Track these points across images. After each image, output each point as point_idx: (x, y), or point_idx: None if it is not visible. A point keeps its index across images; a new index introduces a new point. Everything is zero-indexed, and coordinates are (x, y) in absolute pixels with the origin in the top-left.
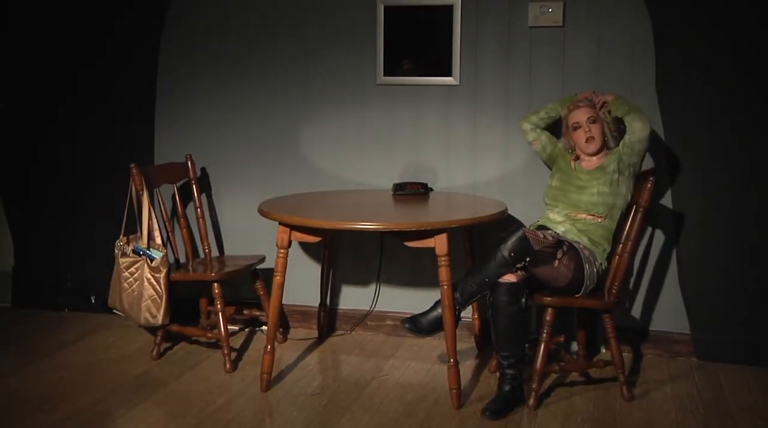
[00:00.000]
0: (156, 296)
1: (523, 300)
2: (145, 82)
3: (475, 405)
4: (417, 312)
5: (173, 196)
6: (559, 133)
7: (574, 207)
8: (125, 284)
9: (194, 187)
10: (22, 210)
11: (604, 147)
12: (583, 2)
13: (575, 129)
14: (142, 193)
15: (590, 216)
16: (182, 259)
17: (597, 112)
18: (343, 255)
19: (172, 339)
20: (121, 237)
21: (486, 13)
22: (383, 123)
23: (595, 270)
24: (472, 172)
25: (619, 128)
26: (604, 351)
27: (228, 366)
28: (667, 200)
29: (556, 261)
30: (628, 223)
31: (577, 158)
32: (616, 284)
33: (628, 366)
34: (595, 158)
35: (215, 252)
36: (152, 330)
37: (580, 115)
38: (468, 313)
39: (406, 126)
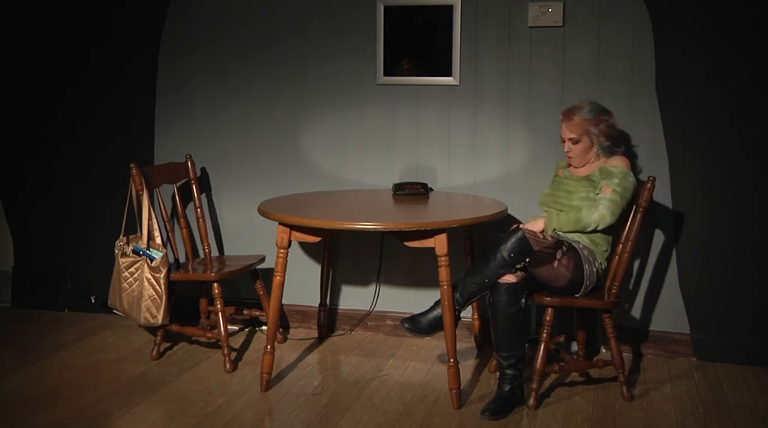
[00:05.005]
0: (156, 296)
1: (523, 300)
2: (144, 82)
3: (475, 405)
4: (417, 312)
5: (173, 196)
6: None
7: (566, 209)
8: (125, 284)
9: (194, 187)
10: (22, 210)
11: (592, 158)
12: (583, 2)
13: (562, 141)
14: (142, 193)
15: None
16: (182, 259)
17: (582, 132)
18: (343, 255)
19: (172, 339)
20: (121, 237)
21: (486, 13)
22: (383, 123)
23: (594, 270)
24: (472, 172)
25: (613, 136)
26: (604, 351)
27: (228, 366)
28: (667, 200)
29: (556, 262)
30: (628, 223)
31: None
32: (616, 284)
33: (628, 366)
34: (585, 167)
35: (215, 252)
36: (152, 330)
37: (563, 131)
38: (468, 313)
39: (406, 126)
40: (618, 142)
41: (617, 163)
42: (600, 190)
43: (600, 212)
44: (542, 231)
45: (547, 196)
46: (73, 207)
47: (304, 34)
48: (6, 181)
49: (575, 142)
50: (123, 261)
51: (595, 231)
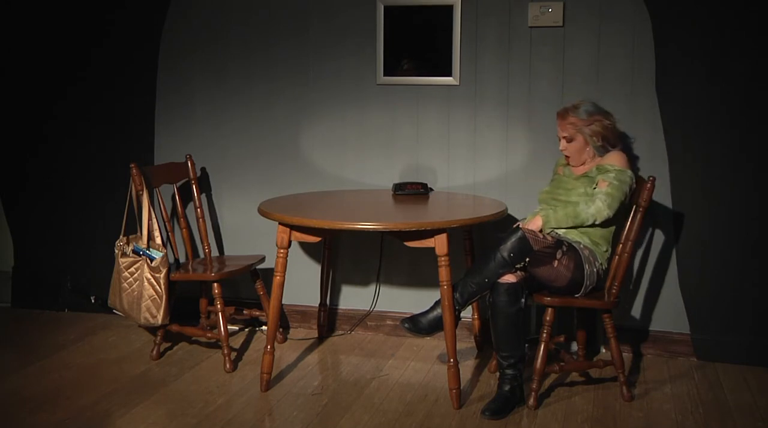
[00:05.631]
0: (156, 296)
1: (523, 300)
2: (144, 82)
3: (475, 405)
4: (417, 312)
5: (173, 196)
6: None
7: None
8: (125, 284)
9: (194, 187)
10: (22, 210)
11: (588, 158)
12: (583, 2)
13: (558, 138)
14: (142, 193)
15: None
16: (182, 259)
17: (575, 131)
18: (343, 255)
19: (172, 339)
20: (121, 237)
21: (486, 13)
22: (383, 123)
23: (594, 270)
24: (472, 172)
25: (606, 137)
26: (604, 351)
27: (228, 366)
28: (667, 200)
29: (556, 262)
30: (628, 223)
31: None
32: (616, 284)
33: (628, 366)
34: (583, 166)
35: (215, 252)
36: (152, 330)
37: (558, 129)
38: (468, 313)
39: (406, 126)
40: (613, 142)
41: (613, 160)
42: (596, 185)
43: (596, 205)
44: (541, 230)
45: (546, 193)
46: (73, 207)
47: (304, 34)
48: (6, 181)
49: (569, 140)
50: (123, 261)
51: (593, 225)
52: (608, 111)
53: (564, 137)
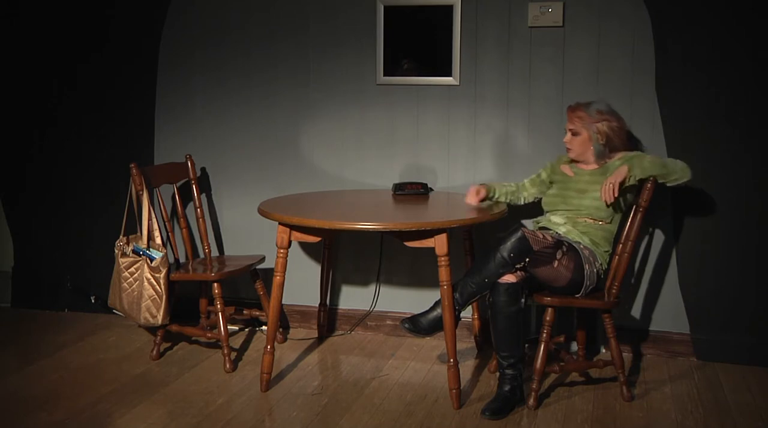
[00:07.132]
0: (156, 296)
1: (523, 300)
2: (144, 82)
3: (475, 405)
4: (417, 312)
5: (173, 196)
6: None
7: (575, 211)
8: (125, 284)
9: (194, 187)
10: (22, 210)
11: (591, 157)
12: (583, 2)
13: (566, 131)
14: (142, 193)
15: (592, 221)
16: (182, 259)
17: (581, 125)
18: (343, 255)
19: (172, 339)
20: (121, 237)
21: (486, 13)
22: (383, 123)
23: (594, 270)
24: (472, 172)
25: (611, 140)
26: (604, 351)
27: (228, 366)
28: (666, 200)
29: (556, 262)
30: (628, 223)
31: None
32: (616, 284)
33: (627, 366)
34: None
35: (215, 252)
36: (152, 330)
37: (568, 122)
38: (468, 313)
39: (406, 126)
40: (617, 145)
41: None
42: (633, 163)
43: (682, 163)
44: (623, 180)
45: (553, 196)
46: (73, 207)
47: (304, 34)
48: (6, 181)
49: (574, 133)
50: (123, 261)
51: (679, 181)
52: (620, 115)
53: (570, 129)
